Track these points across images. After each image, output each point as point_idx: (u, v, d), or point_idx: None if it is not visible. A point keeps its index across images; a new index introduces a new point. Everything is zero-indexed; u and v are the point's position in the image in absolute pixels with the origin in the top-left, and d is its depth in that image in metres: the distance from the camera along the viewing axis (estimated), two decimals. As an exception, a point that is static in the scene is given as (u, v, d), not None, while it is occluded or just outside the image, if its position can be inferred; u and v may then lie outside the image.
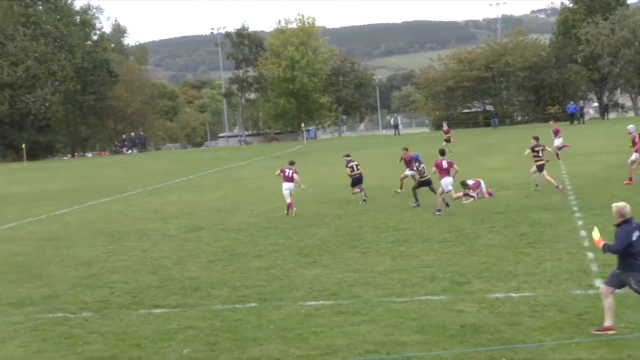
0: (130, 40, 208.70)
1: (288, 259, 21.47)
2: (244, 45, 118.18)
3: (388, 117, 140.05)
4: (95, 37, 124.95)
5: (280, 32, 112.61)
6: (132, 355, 13.52)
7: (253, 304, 16.61)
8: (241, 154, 76.46)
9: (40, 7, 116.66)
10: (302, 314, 15.51)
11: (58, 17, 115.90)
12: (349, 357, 12.68)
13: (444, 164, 28.63)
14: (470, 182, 28.99)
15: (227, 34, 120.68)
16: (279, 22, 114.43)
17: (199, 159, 72.45)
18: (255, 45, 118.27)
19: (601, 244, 13.28)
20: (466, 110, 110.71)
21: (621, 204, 13.42)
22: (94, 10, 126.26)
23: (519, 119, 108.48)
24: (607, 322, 13.08)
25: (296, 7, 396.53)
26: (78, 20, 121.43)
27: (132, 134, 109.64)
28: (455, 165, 28.95)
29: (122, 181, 52.20)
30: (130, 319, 15.98)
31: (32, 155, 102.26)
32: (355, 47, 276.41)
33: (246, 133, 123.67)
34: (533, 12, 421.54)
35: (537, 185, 32.03)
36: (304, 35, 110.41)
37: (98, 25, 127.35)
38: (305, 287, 17.84)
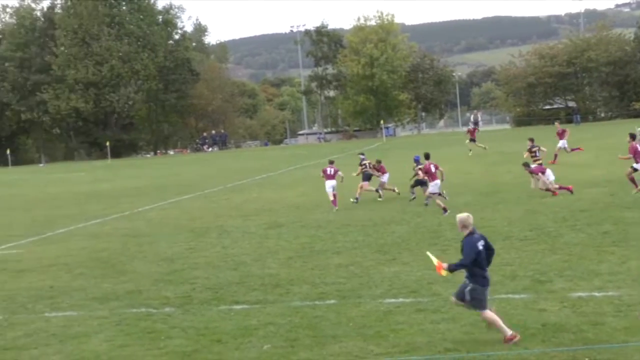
0: (211, 39, 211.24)
1: (367, 256, 21.44)
2: (323, 42, 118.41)
3: (468, 114, 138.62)
4: (177, 36, 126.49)
5: (359, 29, 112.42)
6: (213, 351, 13.64)
7: (332, 301, 16.62)
8: (320, 151, 76.56)
9: (124, 8, 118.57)
10: (381, 312, 15.46)
11: (141, 17, 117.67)
12: (428, 355, 12.60)
13: (432, 168, 29.77)
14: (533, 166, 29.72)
15: (307, 32, 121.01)
16: (358, 19, 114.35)
17: (279, 157, 72.88)
18: (334, 42, 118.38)
19: (444, 265, 13.06)
20: (547, 107, 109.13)
21: (464, 215, 13.12)
22: (176, 10, 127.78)
23: (602, 115, 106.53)
24: (506, 334, 12.87)
25: (375, 4, 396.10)
26: (160, 19, 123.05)
27: (213, 131, 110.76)
28: (440, 167, 30.42)
29: (203, 178, 52.82)
30: (211, 315, 16.13)
31: (116, 153, 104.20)
32: (435, 43, 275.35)
33: (325, 130, 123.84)
34: (617, 5, 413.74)
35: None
36: (383, 33, 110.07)
37: (180, 24, 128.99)
38: (385, 285, 17.79)
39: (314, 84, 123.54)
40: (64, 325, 16.09)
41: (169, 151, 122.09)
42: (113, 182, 54.67)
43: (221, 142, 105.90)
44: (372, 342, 13.46)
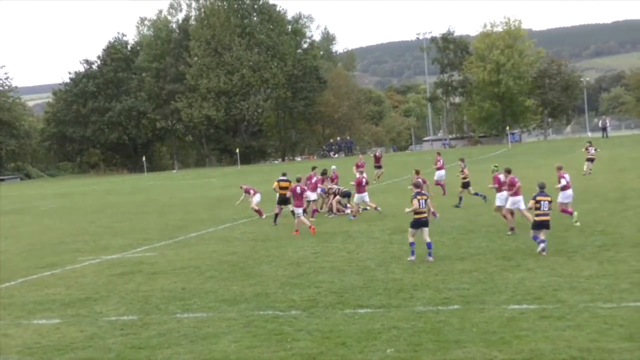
0: (338, 47, 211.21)
1: (491, 262, 21.16)
2: (449, 49, 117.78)
3: (596, 120, 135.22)
4: (305, 45, 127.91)
5: (485, 35, 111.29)
6: (337, 353, 13.70)
7: (456, 306, 16.46)
8: (446, 157, 75.84)
9: (255, 18, 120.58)
10: (505, 318, 15.23)
11: (271, 27, 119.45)
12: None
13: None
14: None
15: (433, 39, 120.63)
16: (485, 25, 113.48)
17: (404, 162, 72.58)
18: (460, 49, 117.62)
19: None
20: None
21: None
22: (305, 20, 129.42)
23: None
24: None
25: (502, 10, 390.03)
26: (290, 29, 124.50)
27: (339, 138, 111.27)
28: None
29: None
30: (336, 318, 16.20)
31: (245, 160, 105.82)
32: (563, 48, 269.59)
33: (450, 136, 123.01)
34: None
35: None
36: (510, 39, 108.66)
37: (308, 33, 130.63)
38: (509, 291, 17.52)
39: (439, 91, 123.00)
40: (195, 326, 16.43)
41: (296, 158, 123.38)
42: (243, 188, 55.43)
43: (347, 149, 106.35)
44: (495, 348, 13.27)
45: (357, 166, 46.39)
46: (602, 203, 31.63)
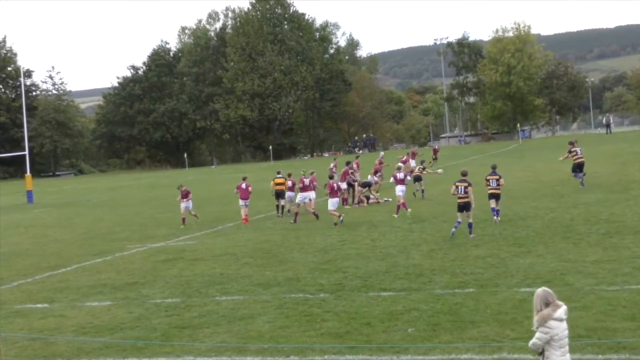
0: (362, 52, 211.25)
1: (504, 248, 21.06)
2: (464, 53, 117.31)
3: (600, 117, 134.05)
4: (332, 51, 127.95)
5: (497, 40, 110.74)
6: (362, 332, 13.70)
7: (471, 289, 16.41)
8: (461, 152, 75.71)
9: (286, 26, 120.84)
10: (516, 299, 15.15)
11: (300, 34, 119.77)
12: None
13: (399, 175, 31.72)
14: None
15: (449, 44, 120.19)
16: (497, 31, 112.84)
17: (423, 157, 72.21)
18: (474, 53, 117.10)
19: None
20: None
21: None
22: (332, 27, 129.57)
23: None
24: None
25: (513, 15, 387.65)
26: (317, 36, 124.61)
27: (364, 135, 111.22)
28: (408, 177, 34.12)
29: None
30: (361, 301, 16.20)
31: (277, 156, 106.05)
32: (569, 52, 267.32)
33: (465, 133, 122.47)
34: None
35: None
36: (520, 43, 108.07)
37: (335, 40, 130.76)
38: (520, 275, 17.43)
39: (455, 91, 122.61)
40: (232, 308, 16.49)
41: (324, 154, 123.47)
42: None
43: (370, 145, 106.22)
44: (507, 328, 13.22)
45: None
46: (605, 194, 31.36)
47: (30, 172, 63.00)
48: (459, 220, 23.70)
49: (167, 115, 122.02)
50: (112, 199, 55.87)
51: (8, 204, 57.73)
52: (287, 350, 12.96)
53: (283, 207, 34.60)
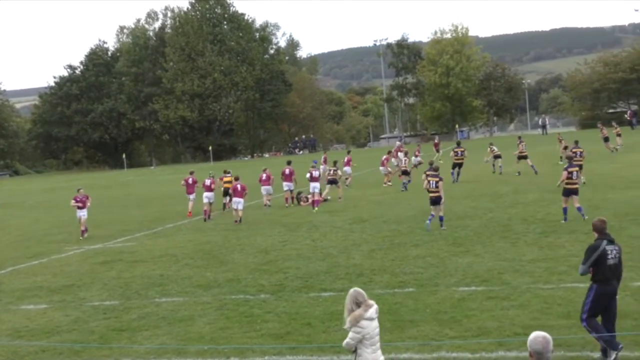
0: (302, 53, 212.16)
1: (443, 248, 21.27)
2: (404, 54, 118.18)
3: (536, 118, 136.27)
4: (272, 51, 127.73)
5: (436, 42, 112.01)
6: (303, 333, 13.71)
7: (411, 289, 16.53)
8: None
9: (226, 27, 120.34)
10: (455, 299, 15.32)
11: (240, 34, 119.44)
12: (498, 339, 12.44)
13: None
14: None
15: (389, 45, 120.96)
16: (435, 33, 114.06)
17: (363, 158, 72.60)
18: (413, 54, 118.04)
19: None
20: (611, 110, 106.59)
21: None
22: (272, 27, 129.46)
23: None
24: None
25: (451, 19, 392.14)
26: (257, 36, 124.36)
27: (304, 136, 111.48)
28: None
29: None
30: (302, 301, 16.21)
31: (218, 157, 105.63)
32: (506, 53, 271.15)
33: (405, 134, 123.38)
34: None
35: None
36: (458, 45, 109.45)
37: (275, 40, 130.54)
38: (459, 274, 17.62)
39: (395, 92, 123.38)
40: (172, 309, 16.37)
41: (264, 154, 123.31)
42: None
43: (310, 146, 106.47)
44: (446, 327, 13.36)
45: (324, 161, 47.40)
46: (541, 194, 31.86)
47: (-36, 173, 61.65)
48: (432, 213, 24.71)
49: (106, 115, 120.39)
50: (49, 200, 54.92)
51: (-60, 206, 56.38)
52: (228, 351, 12.91)
53: (225, 205, 36.22)
